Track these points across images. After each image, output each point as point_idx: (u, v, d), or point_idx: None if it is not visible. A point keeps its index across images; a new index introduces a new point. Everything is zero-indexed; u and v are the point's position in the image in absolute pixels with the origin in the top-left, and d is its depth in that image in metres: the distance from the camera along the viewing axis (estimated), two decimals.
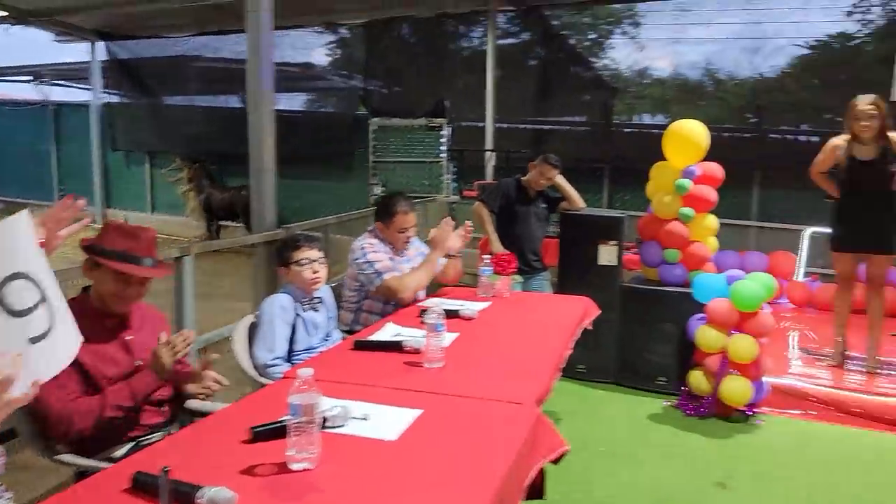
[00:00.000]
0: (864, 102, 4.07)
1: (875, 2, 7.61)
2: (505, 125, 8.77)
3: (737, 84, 8.42)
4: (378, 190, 8.35)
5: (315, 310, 2.76)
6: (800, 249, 6.68)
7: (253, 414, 1.77)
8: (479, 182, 7.53)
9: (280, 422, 1.63)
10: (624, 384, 4.46)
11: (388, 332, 2.69)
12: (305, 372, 1.56)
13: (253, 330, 2.69)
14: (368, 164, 8.64)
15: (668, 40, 8.93)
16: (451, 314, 2.90)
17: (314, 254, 2.74)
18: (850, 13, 7.68)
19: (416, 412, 1.84)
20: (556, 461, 1.89)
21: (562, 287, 4.56)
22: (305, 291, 2.74)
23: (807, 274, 6.63)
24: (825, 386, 4.06)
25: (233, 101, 10.46)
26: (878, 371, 4.31)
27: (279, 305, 2.62)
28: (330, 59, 10.62)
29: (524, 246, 4.58)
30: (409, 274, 3.16)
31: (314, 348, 2.71)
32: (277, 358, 2.58)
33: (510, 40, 9.42)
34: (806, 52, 8.01)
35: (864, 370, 4.33)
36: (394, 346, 2.43)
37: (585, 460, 3.38)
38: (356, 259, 3.15)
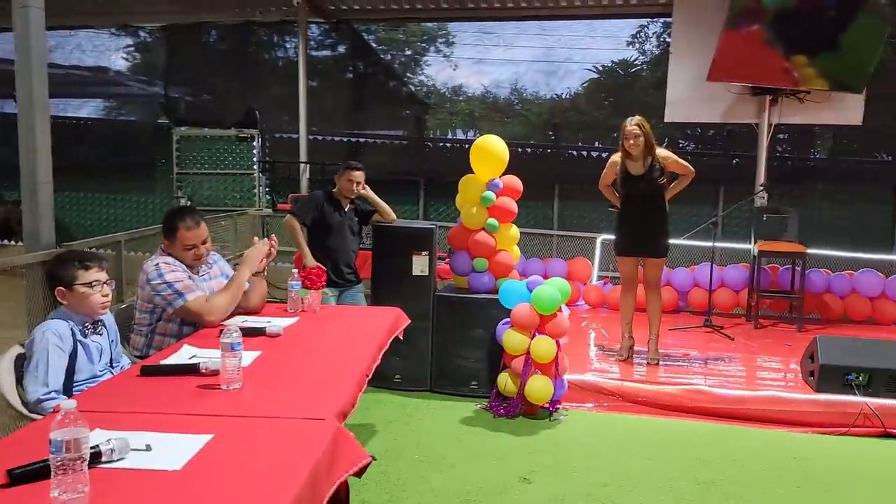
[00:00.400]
0: (631, 123, 4.58)
1: (650, 33, 8.57)
2: (320, 137, 8.68)
3: (538, 103, 9.03)
4: (184, 203, 7.87)
5: (98, 334, 2.53)
6: (594, 255, 7.29)
7: (13, 455, 1.57)
8: (293, 195, 7.38)
9: (42, 461, 1.47)
10: (439, 391, 4.56)
11: (183, 354, 2.53)
12: (68, 404, 1.43)
13: (21, 361, 2.39)
14: (173, 177, 8.13)
15: (478, 60, 9.39)
16: (256, 332, 2.80)
17: (104, 275, 2.52)
18: (629, 42, 8.58)
19: (206, 437, 1.73)
20: (359, 474, 1.87)
21: (376, 299, 4.59)
22: (88, 315, 2.50)
23: (600, 277, 7.24)
24: (615, 379, 4.44)
25: (8, 107, 9.36)
26: (658, 362, 4.81)
27: (54, 333, 2.36)
28: (129, 63, 9.89)
29: (339, 259, 4.56)
30: (215, 295, 2.99)
31: (98, 376, 2.47)
32: (53, 391, 2.32)
33: (325, 52, 9.37)
34: (595, 75, 8.81)
35: (646, 362, 4.81)
36: (188, 370, 2.28)
37: (401, 469, 3.41)
38: (151, 280, 2.91)
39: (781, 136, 7.61)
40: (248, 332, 2.76)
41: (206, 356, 2.38)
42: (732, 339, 5.62)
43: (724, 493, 3.25)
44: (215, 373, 2.19)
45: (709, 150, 8.24)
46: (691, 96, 6.74)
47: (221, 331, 2.18)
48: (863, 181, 7.54)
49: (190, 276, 2.98)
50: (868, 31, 6.11)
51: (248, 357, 2.41)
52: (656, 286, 4.82)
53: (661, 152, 4.64)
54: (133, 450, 1.63)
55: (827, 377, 4.16)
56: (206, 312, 2.87)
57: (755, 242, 6.27)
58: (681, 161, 4.68)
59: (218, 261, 3.26)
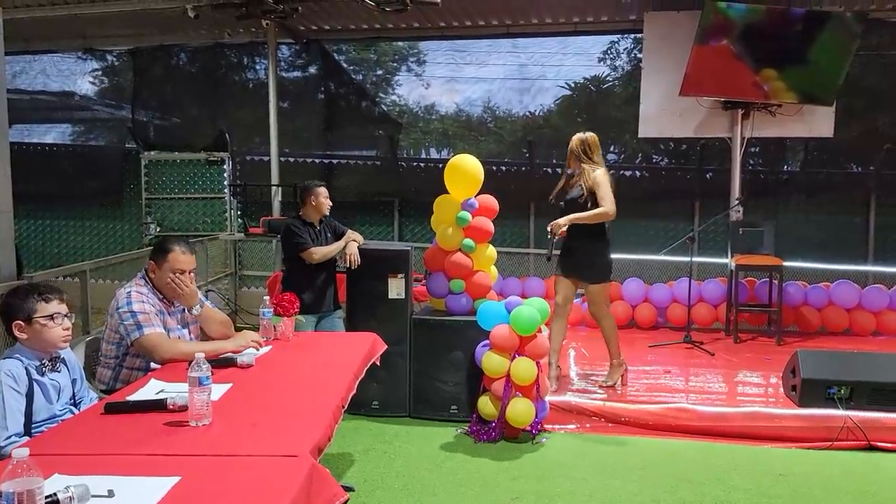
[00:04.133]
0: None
1: (621, 49, 8.63)
2: (292, 159, 8.59)
3: (511, 121, 9.04)
4: (153, 229, 7.72)
5: (57, 371, 2.40)
6: None
7: None
8: (265, 217, 7.26)
9: None
10: (419, 416, 4.47)
11: (150, 389, 2.42)
12: (19, 452, 1.33)
13: None
14: (142, 202, 7.97)
15: (450, 79, 9.38)
16: (226, 363, 2.70)
17: (64, 308, 2.40)
18: (601, 59, 8.63)
19: (173, 480, 1.64)
20: None
21: (351, 324, 4.50)
22: (46, 351, 2.37)
23: (578, 295, 7.18)
24: (598, 399, 4.38)
25: None
26: (615, 385, 4.65)
27: (7, 374, 2.22)
28: (96, 87, 9.73)
29: (320, 284, 4.46)
30: (182, 341, 2.92)
31: (58, 416, 2.35)
32: (13, 435, 2.19)
33: (296, 73, 9.30)
34: (568, 92, 8.84)
35: (601, 384, 4.67)
36: (155, 406, 2.18)
37: (380, 499, 3.31)
38: (119, 307, 2.80)
39: (754, 149, 7.68)
40: (219, 363, 2.67)
41: (174, 391, 2.28)
42: (713, 355, 5.60)
43: None
44: (184, 408, 2.09)
45: (683, 164, 8.27)
46: (664, 111, 6.77)
47: (190, 364, 2.08)
48: (836, 192, 7.63)
49: (160, 310, 2.88)
50: (835, 45, 6.21)
51: (218, 390, 2.32)
52: (602, 311, 4.64)
53: (593, 175, 4.40)
54: (94, 496, 1.54)
55: (809, 391, 4.14)
56: (163, 350, 2.75)
57: (732, 257, 6.28)
58: (600, 194, 4.35)
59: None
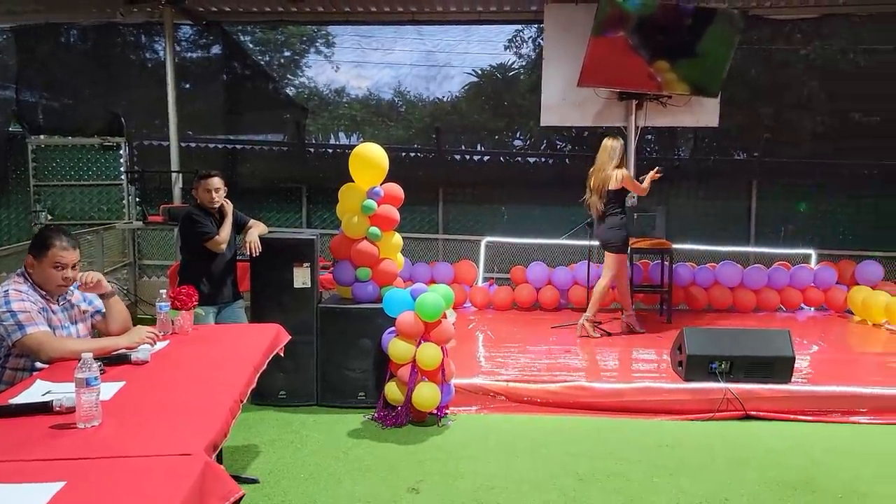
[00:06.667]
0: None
1: (525, 37, 8.81)
2: (193, 144, 8.30)
3: (420, 108, 9.07)
4: (43, 217, 7.31)
5: None
6: (479, 257, 7.41)
7: None
8: (165, 205, 7.01)
9: None
10: (327, 404, 4.49)
11: (36, 390, 2.33)
12: None
13: None
14: (30, 189, 7.51)
15: (358, 64, 9.30)
16: (120, 360, 2.64)
17: None
18: (506, 47, 8.79)
19: (57, 486, 1.60)
20: None
21: (256, 314, 4.45)
22: None
23: (486, 279, 7.37)
24: (501, 380, 4.52)
25: None
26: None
27: None
28: None
29: (218, 273, 4.35)
30: (69, 339, 2.81)
31: None
32: None
33: (198, 53, 8.97)
34: (474, 79, 8.96)
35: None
36: (40, 408, 2.11)
37: (285, 490, 3.32)
38: None
39: (650, 136, 8.05)
40: (112, 361, 2.61)
41: (61, 391, 2.21)
42: (610, 335, 5.87)
43: (604, 487, 3.39)
44: (71, 410, 2.04)
45: (584, 151, 8.57)
46: (564, 101, 6.97)
47: (78, 363, 2.02)
48: (722, 178, 8.13)
49: (43, 308, 2.77)
50: (720, 39, 6.57)
51: (109, 389, 2.27)
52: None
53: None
54: None
55: (694, 366, 4.43)
56: (49, 349, 2.65)
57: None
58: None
59: (75, 290, 3.04)
